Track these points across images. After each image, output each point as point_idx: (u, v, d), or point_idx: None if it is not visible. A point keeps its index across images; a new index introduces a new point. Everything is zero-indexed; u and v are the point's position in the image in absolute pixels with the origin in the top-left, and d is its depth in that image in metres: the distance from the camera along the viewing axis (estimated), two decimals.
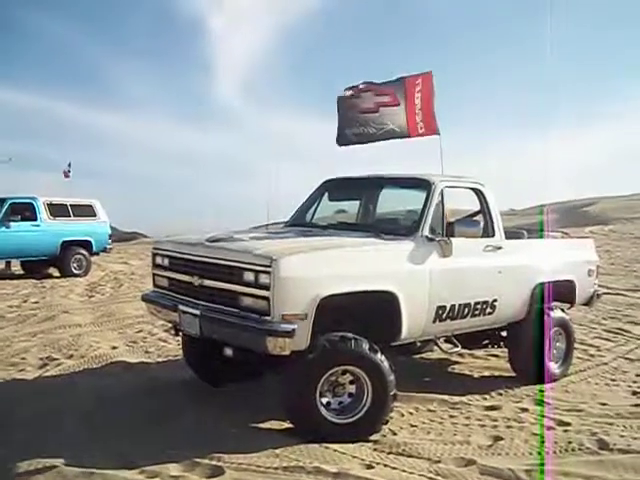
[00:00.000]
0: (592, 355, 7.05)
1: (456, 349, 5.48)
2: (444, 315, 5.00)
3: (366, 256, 4.62)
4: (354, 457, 4.06)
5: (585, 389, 5.80)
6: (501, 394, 5.61)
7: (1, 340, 7.59)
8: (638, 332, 8.21)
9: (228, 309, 4.34)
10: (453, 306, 5.06)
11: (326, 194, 6.23)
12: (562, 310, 6.26)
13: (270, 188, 6.04)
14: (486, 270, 5.37)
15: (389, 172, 6.00)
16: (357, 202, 6.20)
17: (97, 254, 15.18)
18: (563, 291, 6.20)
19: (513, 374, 6.07)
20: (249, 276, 4.17)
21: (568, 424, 4.79)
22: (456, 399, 5.34)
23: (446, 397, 5.37)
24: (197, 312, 4.53)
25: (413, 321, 4.72)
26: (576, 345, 6.68)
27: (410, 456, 4.15)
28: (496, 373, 6.34)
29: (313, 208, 6.16)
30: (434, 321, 4.95)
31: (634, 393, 5.66)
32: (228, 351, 4.46)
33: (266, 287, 4.05)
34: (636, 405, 5.27)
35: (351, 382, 4.41)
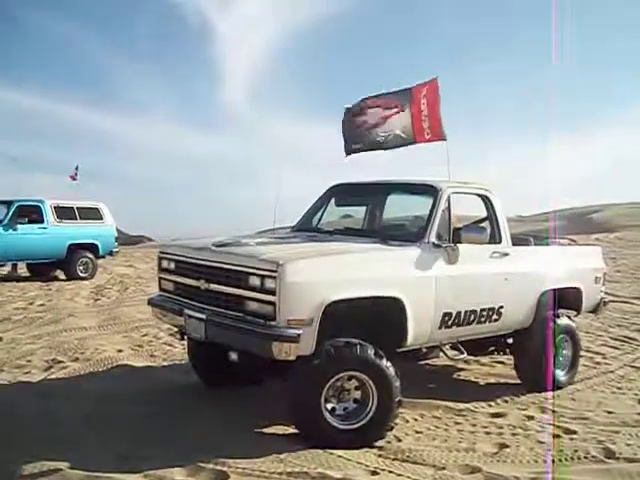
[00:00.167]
0: (598, 363, 7.02)
1: (462, 356, 5.46)
2: (450, 321, 4.99)
3: (372, 262, 4.62)
4: (359, 463, 4.04)
5: (591, 397, 5.77)
6: (507, 401, 5.59)
7: (7, 342, 7.61)
8: None
9: (234, 314, 4.34)
10: (459, 312, 5.04)
11: (333, 199, 6.23)
12: (569, 317, 6.24)
13: (276, 192, 6.02)
14: (492, 277, 5.35)
15: (396, 178, 5.99)
16: (364, 207, 6.20)
17: (103, 257, 15.19)
18: (570, 298, 6.18)
19: (519, 381, 6.04)
20: (255, 281, 4.18)
21: (574, 432, 4.77)
22: (461, 406, 5.33)
23: (451, 404, 5.35)
24: (203, 316, 4.53)
25: (419, 327, 4.71)
26: (582, 353, 6.67)
27: (415, 463, 4.13)
28: (502, 380, 6.32)
29: (320, 213, 6.16)
30: (440, 327, 4.93)
31: None
32: (233, 356, 4.45)
33: (272, 292, 4.05)
34: None
35: (356, 388, 4.40)
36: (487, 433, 4.77)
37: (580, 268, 6.37)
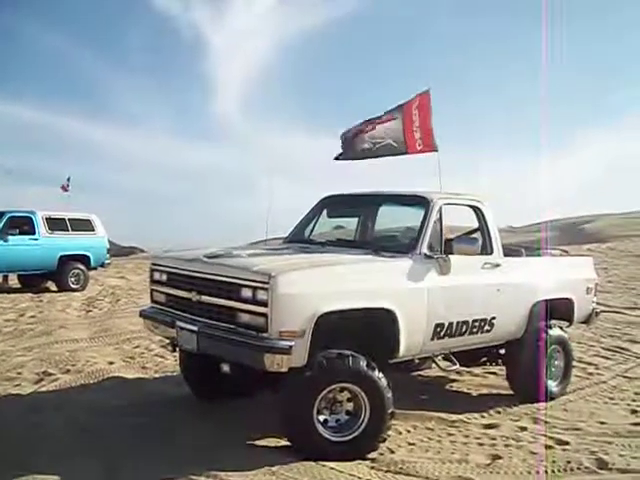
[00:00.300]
0: (591, 373, 7.03)
1: (454, 367, 5.45)
2: (442, 333, 4.99)
3: (364, 273, 4.62)
4: (351, 475, 4.03)
5: (584, 408, 5.78)
6: (499, 412, 5.59)
7: None
8: (637, 350, 8.19)
9: (226, 325, 4.33)
10: (451, 324, 5.04)
11: (325, 210, 6.24)
12: (560, 328, 6.25)
13: (268, 203, 6.02)
14: (484, 288, 5.36)
15: (387, 189, 6.01)
16: (356, 219, 6.21)
17: (95, 269, 15.15)
18: (562, 309, 6.20)
19: (511, 392, 6.04)
20: (247, 292, 4.17)
21: (567, 443, 4.77)
22: (454, 417, 5.32)
23: (444, 415, 5.35)
24: (195, 328, 4.51)
25: (411, 339, 4.71)
26: (575, 363, 6.68)
27: (408, 474, 4.12)
28: (494, 391, 6.32)
29: (312, 224, 6.17)
30: (432, 339, 4.93)
31: (633, 412, 5.64)
32: (225, 367, 4.44)
33: (264, 304, 4.05)
34: (635, 424, 5.26)
35: (349, 400, 4.39)
36: (480, 444, 4.76)
37: (572, 279, 6.40)
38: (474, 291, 5.29)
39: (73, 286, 14.36)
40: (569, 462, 4.36)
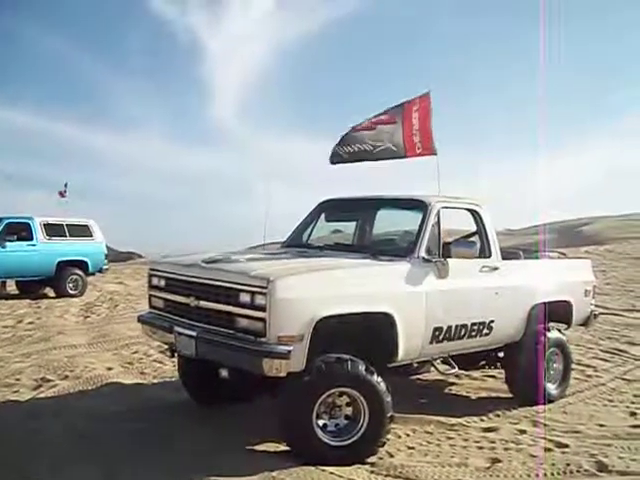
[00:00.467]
0: (589, 376, 7.03)
1: (453, 370, 5.46)
2: (441, 336, 4.99)
3: (362, 277, 4.62)
4: None
5: (583, 410, 5.78)
6: (498, 415, 5.58)
7: None
8: (635, 352, 8.20)
9: (224, 330, 4.32)
10: (450, 327, 5.04)
11: (323, 215, 6.23)
12: (559, 331, 6.25)
13: (266, 208, 6.01)
14: (483, 291, 5.36)
15: (386, 193, 6.01)
16: (354, 223, 6.21)
17: (93, 274, 15.12)
18: (560, 312, 6.20)
19: (510, 395, 6.04)
20: (245, 297, 4.16)
21: (566, 446, 4.76)
22: (453, 421, 5.32)
23: (443, 419, 5.34)
24: (193, 333, 4.50)
25: (410, 342, 4.70)
26: (573, 366, 6.67)
27: (407, 478, 4.12)
28: (493, 394, 6.32)
29: (310, 229, 6.16)
30: (431, 342, 4.93)
31: (632, 414, 5.64)
32: (224, 372, 4.43)
33: (262, 308, 4.04)
34: (634, 426, 5.26)
35: (348, 404, 4.38)
36: (479, 448, 4.76)
37: (570, 281, 6.40)
38: (472, 294, 5.29)
39: (71, 292, 14.34)
40: (568, 465, 4.35)
